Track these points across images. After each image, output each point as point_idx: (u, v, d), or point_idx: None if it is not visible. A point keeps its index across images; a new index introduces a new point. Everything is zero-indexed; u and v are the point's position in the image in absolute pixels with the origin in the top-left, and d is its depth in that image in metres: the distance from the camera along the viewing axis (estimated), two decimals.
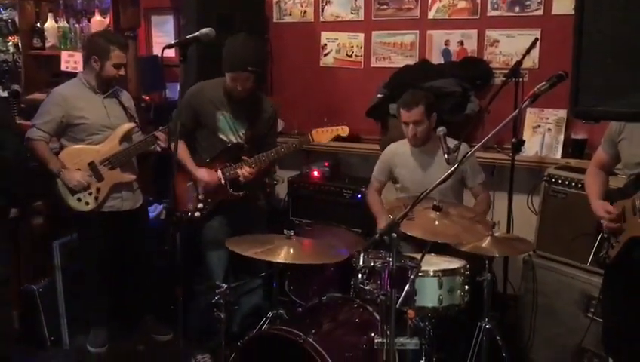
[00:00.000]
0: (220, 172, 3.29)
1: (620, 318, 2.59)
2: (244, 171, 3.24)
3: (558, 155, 3.61)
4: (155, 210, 4.04)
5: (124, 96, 3.54)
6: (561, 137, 3.63)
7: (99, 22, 4.15)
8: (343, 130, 3.28)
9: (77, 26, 4.29)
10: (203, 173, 3.30)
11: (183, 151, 3.26)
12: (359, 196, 3.85)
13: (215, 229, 3.36)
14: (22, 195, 3.22)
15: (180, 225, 2.69)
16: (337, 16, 4.35)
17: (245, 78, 3.16)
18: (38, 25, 4.36)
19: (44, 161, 3.30)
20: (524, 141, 3.39)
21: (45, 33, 4.32)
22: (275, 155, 3.30)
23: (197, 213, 3.33)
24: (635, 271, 2.42)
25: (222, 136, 3.31)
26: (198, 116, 3.29)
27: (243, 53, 3.15)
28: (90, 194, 3.33)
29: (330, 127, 3.27)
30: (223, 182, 3.28)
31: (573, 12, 1.31)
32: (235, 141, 3.34)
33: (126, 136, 3.40)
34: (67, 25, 4.32)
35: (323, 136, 3.25)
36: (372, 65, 4.27)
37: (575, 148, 3.59)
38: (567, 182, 3.20)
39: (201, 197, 3.33)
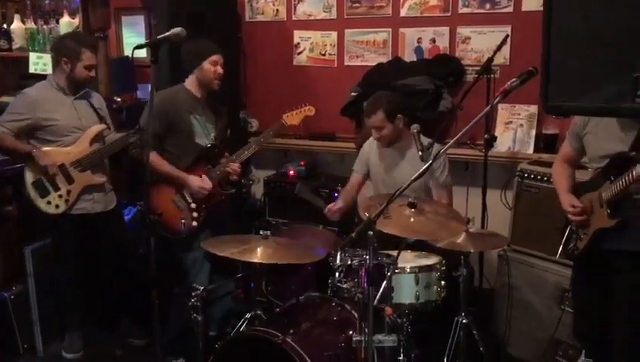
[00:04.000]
0: (204, 176, 3.25)
1: (590, 308, 2.64)
2: (234, 167, 3.29)
3: (531, 150, 3.66)
4: (129, 213, 3.99)
5: (95, 98, 3.49)
6: (533, 132, 3.67)
7: (68, 23, 4.08)
8: (310, 110, 3.45)
9: (45, 27, 4.20)
10: (198, 182, 3.22)
11: (161, 162, 3.19)
12: (335, 195, 3.85)
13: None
14: None
15: (154, 229, 2.64)
16: (310, 15, 4.35)
17: (221, 60, 3.24)
18: (5, 26, 4.26)
19: (12, 147, 3.21)
20: (496, 137, 3.43)
21: (12, 35, 4.22)
22: (255, 146, 3.35)
23: (194, 223, 3.24)
24: (602, 262, 2.47)
25: (198, 141, 3.27)
26: (171, 122, 3.20)
27: (206, 42, 3.28)
28: (60, 196, 3.26)
29: (297, 110, 3.44)
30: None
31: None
32: (207, 144, 3.30)
33: (97, 138, 3.35)
34: (35, 26, 4.23)
35: (294, 118, 3.44)
36: (345, 64, 4.28)
37: (547, 143, 3.65)
38: (539, 177, 3.25)
39: (193, 206, 3.24)
